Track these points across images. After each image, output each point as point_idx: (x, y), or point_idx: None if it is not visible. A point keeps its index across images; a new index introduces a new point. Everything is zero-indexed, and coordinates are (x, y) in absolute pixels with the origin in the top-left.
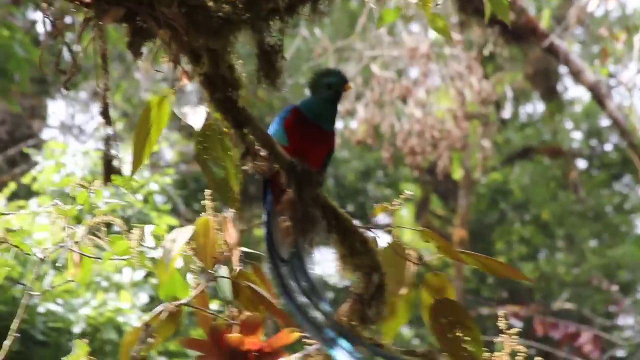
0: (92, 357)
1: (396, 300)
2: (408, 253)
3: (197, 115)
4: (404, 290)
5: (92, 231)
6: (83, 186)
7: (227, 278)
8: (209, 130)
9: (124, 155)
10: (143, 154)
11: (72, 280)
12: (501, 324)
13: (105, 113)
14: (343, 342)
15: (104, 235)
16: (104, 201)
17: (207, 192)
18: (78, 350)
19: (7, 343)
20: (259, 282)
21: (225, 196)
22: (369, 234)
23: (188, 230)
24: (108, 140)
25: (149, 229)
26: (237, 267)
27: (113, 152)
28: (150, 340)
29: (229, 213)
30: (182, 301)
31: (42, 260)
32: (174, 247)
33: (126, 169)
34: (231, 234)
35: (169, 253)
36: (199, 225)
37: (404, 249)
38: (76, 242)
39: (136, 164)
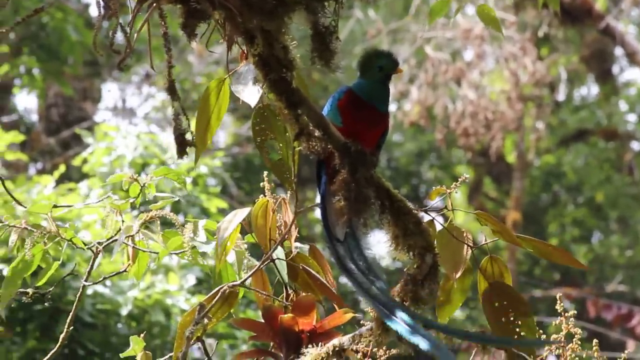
0: (148, 353)
1: (452, 283)
2: (465, 236)
3: (252, 94)
4: (459, 273)
5: (146, 224)
6: (136, 180)
7: (284, 260)
8: (265, 111)
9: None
10: (206, 139)
11: (125, 271)
12: (558, 307)
13: (171, 89)
14: (404, 315)
15: (158, 229)
16: (156, 195)
17: (265, 173)
18: (134, 346)
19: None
20: (316, 264)
21: (282, 177)
22: (425, 216)
23: (244, 212)
24: (178, 115)
25: (201, 223)
26: (294, 248)
27: (184, 125)
28: (205, 321)
29: (286, 195)
30: (237, 282)
31: (96, 254)
32: (229, 226)
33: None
34: (289, 216)
35: (224, 232)
36: (257, 207)
37: (461, 231)
38: (131, 236)
39: (200, 149)
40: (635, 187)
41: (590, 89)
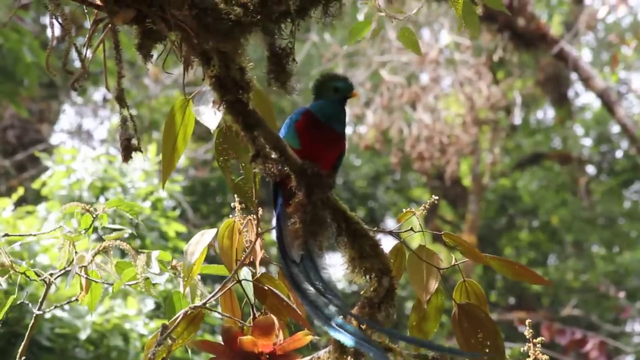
0: None
1: (423, 306)
2: (435, 258)
3: (212, 117)
4: (429, 296)
5: (101, 253)
6: (88, 210)
7: (250, 281)
8: (227, 132)
9: (132, 164)
10: (173, 161)
11: (77, 300)
12: (527, 332)
13: (120, 97)
14: (349, 327)
15: (111, 259)
16: (109, 227)
17: (234, 194)
18: None
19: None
20: (282, 285)
21: (244, 197)
22: (385, 238)
23: (211, 233)
24: (125, 121)
25: (154, 254)
26: (259, 270)
27: (130, 132)
28: (169, 342)
29: (252, 216)
30: (201, 303)
31: (49, 284)
32: (197, 249)
33: (133, 177)
34: (255, 237)
35: (192, 256)
36: (223, 228)
37: (432, 254)
38: (84, 267)
39: (166, 172)
40: (590, 211)
41: (547, 113)
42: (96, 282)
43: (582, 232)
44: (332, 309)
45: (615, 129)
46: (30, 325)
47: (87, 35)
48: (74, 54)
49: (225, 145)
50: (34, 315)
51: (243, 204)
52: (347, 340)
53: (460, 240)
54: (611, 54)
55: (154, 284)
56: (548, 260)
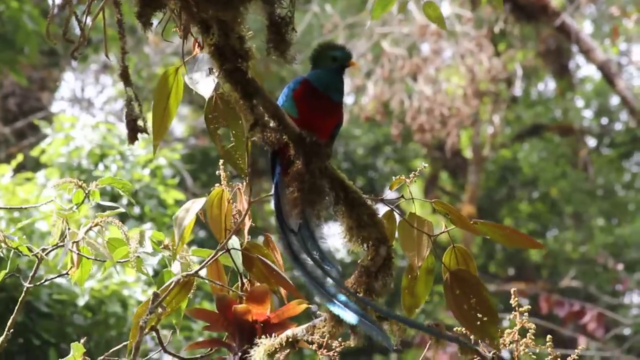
0: (87, 358)
1: (415, 274)
2: (426, 225)
3: (206, 84)
4: (421, 262)
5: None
6: (80, 187)
7: (239, 250)
8: (219, 100)
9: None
10: (164, 126)
11: (67, 274)
12: (512, 301)
13: (124, 74)
14: (352, 305)
15: (103, 236)
16: (102, 203)
17: (221, 162)
18: (74, 352)
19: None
20: (270, 254)
21: (235, 165)
22: (383, 207)
23: (200, 202)
24: (130, 101)
25: (148, 233)
26: (248, 238)
27: (136, 111)
28: (159, 310)
29: (241, 184)
30: (192, 272)
31: (40, 259)
32: (186, 216)
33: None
34: (243, 205)
35: (182, 222)
36: (212, 196)
37: (422, 221)
38: (75, 242)
39: (157, 137)
40: (589, 182)
41: (547, 85)
42: (87, 258)
43: (582, 203)
44: (332, 283)
45: (616, 100)
46: (20, 299)
47: (87, 3)
48: (74, 22)
49: (215, 113)
50: (24, 288)
51: (229, 172)
52: (351, 319)
53: (450, 208)
54: (612, 26)
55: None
56: (547, 232)
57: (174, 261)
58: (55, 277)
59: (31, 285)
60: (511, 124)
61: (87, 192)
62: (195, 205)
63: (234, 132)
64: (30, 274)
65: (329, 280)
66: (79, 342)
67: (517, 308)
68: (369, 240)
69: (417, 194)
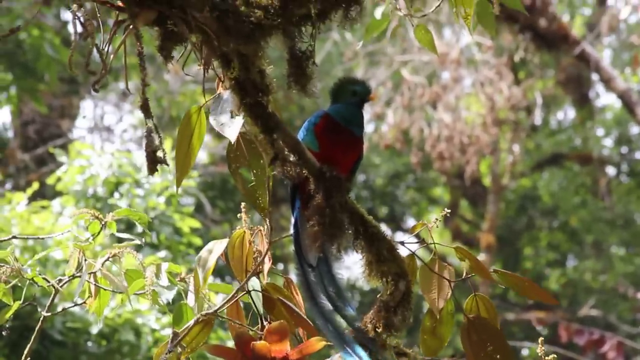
0: None
1: (436, 318)
2: (447, 270)
3: (233, 127)
4: (441, 305)
5: (110, 260)
6: (97, 217)
7: (259, 291)
8: (241, 139)
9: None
10: (187, 164)
11: (85, 303)
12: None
13: (145, 106)
14: (360, 351)
15: (121, 269)
16: (118, 235)
17: (243, 205)
18: None
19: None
20: (291, 295)
21: (256, 204)
22: (403, 249)
23: (223, 243)
24: (150, 133)
25: (164, 267)
26: (267, 280)
27: (156, 143)
28: (178, 349)
29: (262, 225)
30: (212, 311)
31: (57, 290)
32: (209, 258)
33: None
34: (263, 246)
35: (205, 264)
36: (234, 238)
37: (444, 266)
38: (92, 273)
39: (181, 175)
40: (609, 211)
41: (567, 113)
42: (105, 289)
43: (602, 232)
44: (348, 332)
45: (636, 129)
46: (36, 328)
47: (108, 37)
48: (95, 54)
49: (237, 153)
50: (41, 317)
51: (248, 214)
52: None
53: (469, 255)
54: (632, 55)
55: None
56: (567, 261)
57: (196, 302)
58: (72, 307)
59: (48, 314)
60: (530, 152)
61: (103, 223)
62: (218, 247)
63: (254, 171)
64: (47, 304)
65: (344, 324)
66: None
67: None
68: (389, 274)
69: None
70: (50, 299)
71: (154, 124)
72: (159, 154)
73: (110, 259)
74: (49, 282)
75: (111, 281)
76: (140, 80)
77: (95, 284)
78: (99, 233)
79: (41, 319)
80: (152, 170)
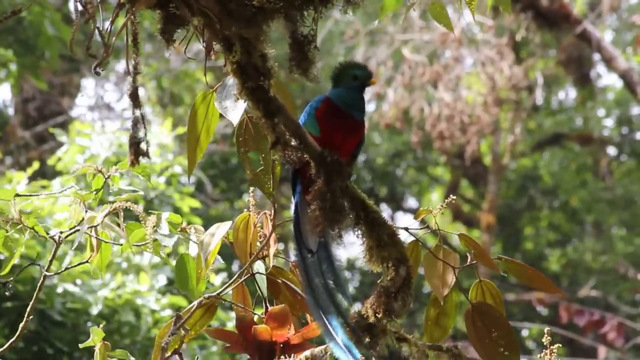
0: (106, 342)
1: (440, 302)
2: (452, 257)
3: (236, 110)
4: (446, 292)
5: (112, 215)
6: (100, 171)
7: (264, 274)
8: (248, 123)
9: (152, 137)
10: (196, 156)
11: (88, 262)
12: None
13: (134, 95)
14: (355, 351)
15: (121, 221)
16: (122, 187)
17: (251, 189)
18: (94, 336)
19: (22, 325)
20: (295, 279)
21: (263, 188)
22: (406, 233)
23: (226, 225)
24: (136, 123)
25: (164, 216)
26: (273, 263)
27: (141, 134)
28: (182, 332)
29: (268, 209)
30: (215, 293)
31: (58, 243)
32: (212, 241)
33: (152, 151)
34: (269, 230)
35: (208, 247)
36: (239, 221)
37: (449, 253)
38: (94, 227)
39: (191, 165)
40: (610, 192)
41: (568, 93)
42: (106, 242)
43: (602, 213)
44: (339, 324)
45: (637, 110)
46: (38, 285)
47: (110, 19)
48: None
49: (245, 136)
50: (42, 275)
51: (257, 199)
52: None
53: (473, 243)
54: (634, 35)
55: (163, 246)
56: (567, 241)
57: (198, 285)
58: (77, 265)
59: (51, 274)
60: (531, 132)
61: (107, 176)
62: (221, 229)
63: (263, 155)
64: (49, 259)
65: (336, 310)
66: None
67: (548, 345)
68: (389, 260)
69: (437, 201)
70: (52, 252)
71: (141, 114)
72: (143, 145)
73: (111, 212)
74: (49, 234)
75: (112, 231)
76: (132, 68)
77: (96, 237)
78: (102, 187)
79: (42, 275)
80: (133, 162)
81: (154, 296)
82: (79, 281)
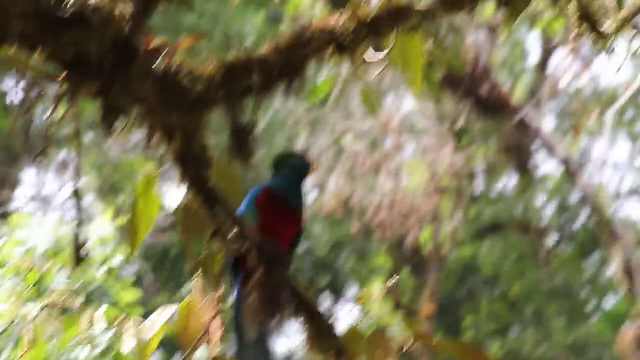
0: None
1: None
2: (390, 342)
3: (174, 197)
4: None
5: (49, 309)
6: (32, 268)
7: None
8: (190, 208)
9: (88, 229)
10: (135, 243)
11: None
12: None
13: (77, 194)
14: None
15: (58, 316)
16: (59, 282)
17: (194, 272)
18: None
19: None
20: None
21: (206, 275)
22: (348, 316)
23: (167, 313)
24: (79, 224)
25: (100, 310)
26: (218, 349)
27: (82, 239)
28: None
29: (211, 294)
30: None
31: None
32: (153, 326)
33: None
34: (213, 317)
35: (148, 333)
36: (182, 308)
37: (389, 339)
38: (29, 322)
39: (131, 251)
40: (549, 281)
41: (508, 181)
42: (41, 340)
43: (542, 302)
44: None
45: (576, 197)
46: None
47: (51, 109)
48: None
49: (188, 222)
50: None
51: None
52: None
53: (413, 325)
54: (573, 122)
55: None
56: (508, 331)
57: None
58: None
59: None
60: (471, 221)
61: (41, 272)
62: (163, 315)
63: (205, 240)
64: None
65: None
66: None
67: None
68: (329, 350)
69: (378, 291)
70: None
71: (83, 213)
72: (83, 251)
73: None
74: None
75: (50, 326)
76: (74, 169)
77: (30, 336)
78: (37, 282)
79: None
80: (76, 263)
81: None
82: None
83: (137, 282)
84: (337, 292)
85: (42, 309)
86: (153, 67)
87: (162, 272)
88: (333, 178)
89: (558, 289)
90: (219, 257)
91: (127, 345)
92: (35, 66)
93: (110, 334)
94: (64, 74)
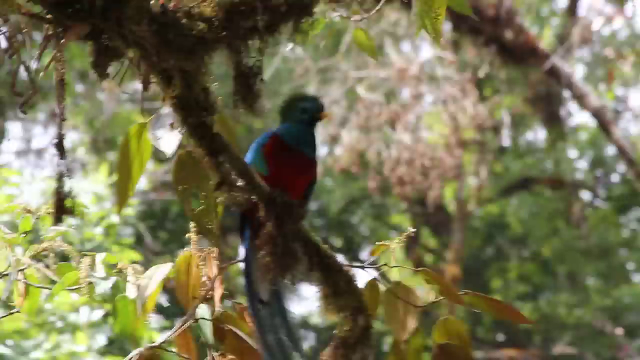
0: None
1: (402, 346)
2: (412, 295)
3: (170, 141)
4: (407, 335)
5: (41, 259)
6: (29, 211)
7: (209, 320)
8: (187, 158)
9: (83, 186)
10: (127, 191)
11: (18, 311)
12: None
13: (59, 145)
14: None
15: (52, 263)
16: (53, 228)
17: (192, 224)
18: None
19: None
20: (243, 325)
21: (204, 228)
22: (364, 273)
23: (166, 268)
24: (61, 177)
25: (100, 257)
26: (219, 307)
27: (66, 190)
28: None
29: (212, 248)
30: (156, 343)
31: None
32: (150, 284)
33: (84, 201)
34: (213, 272)
35: (145, 291)
36: (180, 262)
37: (408, 290)
38: (21, 271)
39: (121, 202)
40: (584, 240)
41: (537, 134)
42: (35, 286)
43: (576, 263)
44: None
45: (612, 150)
46: None
47: (37, 53)
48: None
49: (184, 173)
50: None
51: (201, 236)
52: None
53: (438, 278)
54: (607, 70)
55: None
56: (539, 294)
57: (133, 335)
58: (7, 314)
59: None
60: (498, 176)
61: (36, 216)
62: (160, 271)
63: (203, 193)
64: None
65: None
66: None
67: None
68: (346, 309)
69: (397, 252)
70: None
71: (66, 166)
72: (67, 202)
73: (40, 253)
74: None
75: (43, 274)
76: (58, 114)
77: (24, 281)
78: (30, 231)
79: None
80: (57, 219)
81: (93, 357)
82: (10, 342)
83: (137, 243)
84: (352, 253)
85: (34, 255)
86: (149, 5)
87: (163, 232)
88: (347, 131)
89: (594, 248)
90: (219, 210)
91: (132, 291)
92: (19, 7)
93: (111, 281)
94: (50, 15)
